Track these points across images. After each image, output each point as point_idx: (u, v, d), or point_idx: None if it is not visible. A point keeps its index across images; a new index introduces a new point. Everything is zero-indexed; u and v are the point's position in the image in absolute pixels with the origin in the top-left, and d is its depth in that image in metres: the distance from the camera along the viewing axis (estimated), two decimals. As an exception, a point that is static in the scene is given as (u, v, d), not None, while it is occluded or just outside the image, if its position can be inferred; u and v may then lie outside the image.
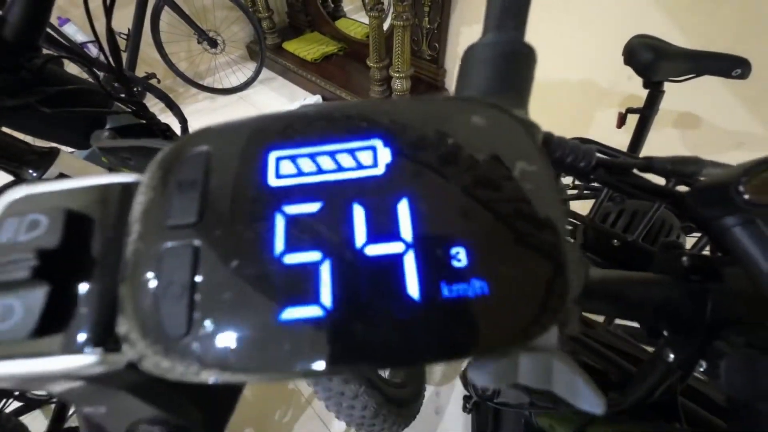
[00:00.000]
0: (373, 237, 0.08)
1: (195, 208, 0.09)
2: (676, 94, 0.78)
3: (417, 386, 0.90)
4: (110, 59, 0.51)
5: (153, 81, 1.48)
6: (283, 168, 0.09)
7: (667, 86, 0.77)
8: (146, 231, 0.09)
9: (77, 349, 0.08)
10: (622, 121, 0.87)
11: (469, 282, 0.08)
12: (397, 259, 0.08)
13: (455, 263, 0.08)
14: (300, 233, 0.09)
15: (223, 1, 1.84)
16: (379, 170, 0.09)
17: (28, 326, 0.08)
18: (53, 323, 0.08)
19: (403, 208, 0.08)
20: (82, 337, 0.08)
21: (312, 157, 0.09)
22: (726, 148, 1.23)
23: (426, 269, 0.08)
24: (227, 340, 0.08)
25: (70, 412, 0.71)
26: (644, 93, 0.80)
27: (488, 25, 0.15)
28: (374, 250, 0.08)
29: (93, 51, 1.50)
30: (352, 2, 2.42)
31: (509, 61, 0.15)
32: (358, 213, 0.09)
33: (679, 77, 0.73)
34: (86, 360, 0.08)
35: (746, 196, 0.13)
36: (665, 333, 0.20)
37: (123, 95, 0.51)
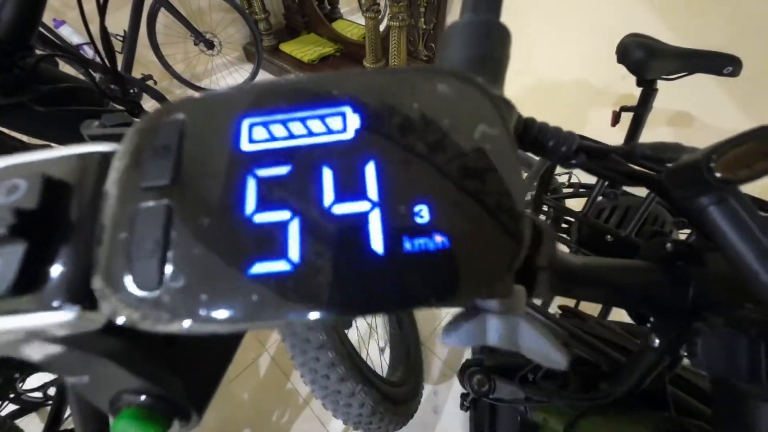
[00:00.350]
0: (341, 197, 0.09)
1: (169, 171, 0.09)
2: (670, 93, 0.78)
3: (414, 385, 0.90)
4: (105, 59, 0.51)
5: (149, 82, 1.47)
6: (255, 134, 0.10)
7: (661, 85, 0.77)
8: (122, 193, 0.09)
9: (55, 306, 0.08)
10: (616, 119, 0.88)
11: (430, 236, 0.08)
12: (362, 217, 0.09)
13: (418, 219, 0.08)
14: (270, 194, 0.09)
15: (220, 3, 1.85)
16: (348, 135, 0.09)
17: (7, 281, 0.08)
18: (32, 280, 0.08)
19: (370, 170, 0.09)
20: (59, 294, 0.08)
21: (284, 123, 0.10)
22: (720, 146, 1.24)
23: (390, 225, 0.08)
24: (197, 292, 0.08)
25: (66, 414, 0.71)
26: (638, 91, 0.81)
27: (465, 6, 0.16)
28: (341, 209, 0.09)
29: (89, 53, 1.50)
30: (348, 4, 2.43)
31: (483, 40, 0.15)
32: (327, 175, 0.09)
33: (672, 75, 0.74)
34: (64, 317, 0.08)
35: (717, 174, 0.13)
36: (652, 319, 0.21)
37: (118, 95, 0.51)
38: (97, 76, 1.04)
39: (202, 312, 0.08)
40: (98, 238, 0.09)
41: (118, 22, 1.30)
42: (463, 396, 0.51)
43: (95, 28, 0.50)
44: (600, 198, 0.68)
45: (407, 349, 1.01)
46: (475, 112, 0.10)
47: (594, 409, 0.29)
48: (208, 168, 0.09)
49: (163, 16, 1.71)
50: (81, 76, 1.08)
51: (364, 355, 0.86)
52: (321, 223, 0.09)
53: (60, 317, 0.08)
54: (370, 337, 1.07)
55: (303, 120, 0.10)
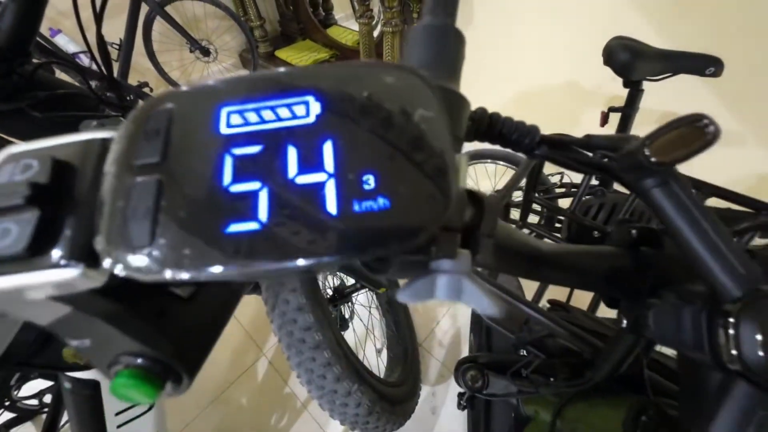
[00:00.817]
0: (303, 169, 0.11)
1: (159, 151, 0.11)
2: (658, 94, 0.80)
3: (412, 385, 0.90)
4: (101, 66, 0.52)
5: (145, 89, 1.49)
6: (232, 119, 0.12)
7: (650, 86, 0.79)
8: (119, 170, 0.11)
9: (63, 264, 0.10)
10: (605, 119, 0.90)
11: (375, 199, 0.10)
12: (320, 186, 0.11)
13: (365, 186, 0.10)
14: (244, 168, 0.11)
15: (215, 11, 1.87)
16: (310, 119, 0.11)
17: (23, 243, 0.10)
18: (43, 242, 0.10)
19: (328, 148, 0.11)
20: (67, 253, 0.10)
21: (256, 110, 0.12)
22: (708, 145, 1.27)
23: (342, 192, 0.10)
24: (182, 247, 0.10)
25: (63, 422, 0.71)
26: (626, 93, 0.83)
27: (424, 10, 0.17)
28: (303, 179, 0.11)
29: (85, 62, 1.51)
30: (342, 10, 2.46)
31: (439, 41, 0.17)
32: (292, 152, 0.11)
33: (656, 76, 0.76)
34: (71, 273, 0.10)
35: (652, 159, 0.14)
36: (622, 302, 0.22)
37: (114, 101, 0.52)
38: (93, 83, 1.05)
39: (186, 263, 0.10)
40: (99, 208, 0.11)
41: (113, 30, 1.31)
42: (460, 395, 0.52)
43: (91, 36, 0.51)
44: (590, 197, 0.69)
45: (404, 350, 1.02)
46: (415, 99, 0.12)
47: (579, 396, 0.30)
48: (192, 148, 0.11)
49: (159, 24, 1.73)
50: (77, 84, 1.09)
51: (361, 357, 0.86)
52: (286, 190, 0.10)
53: (67, 274, 0.10)
54: (366, 338, 1.07)
55: (272, 108, 0.12)
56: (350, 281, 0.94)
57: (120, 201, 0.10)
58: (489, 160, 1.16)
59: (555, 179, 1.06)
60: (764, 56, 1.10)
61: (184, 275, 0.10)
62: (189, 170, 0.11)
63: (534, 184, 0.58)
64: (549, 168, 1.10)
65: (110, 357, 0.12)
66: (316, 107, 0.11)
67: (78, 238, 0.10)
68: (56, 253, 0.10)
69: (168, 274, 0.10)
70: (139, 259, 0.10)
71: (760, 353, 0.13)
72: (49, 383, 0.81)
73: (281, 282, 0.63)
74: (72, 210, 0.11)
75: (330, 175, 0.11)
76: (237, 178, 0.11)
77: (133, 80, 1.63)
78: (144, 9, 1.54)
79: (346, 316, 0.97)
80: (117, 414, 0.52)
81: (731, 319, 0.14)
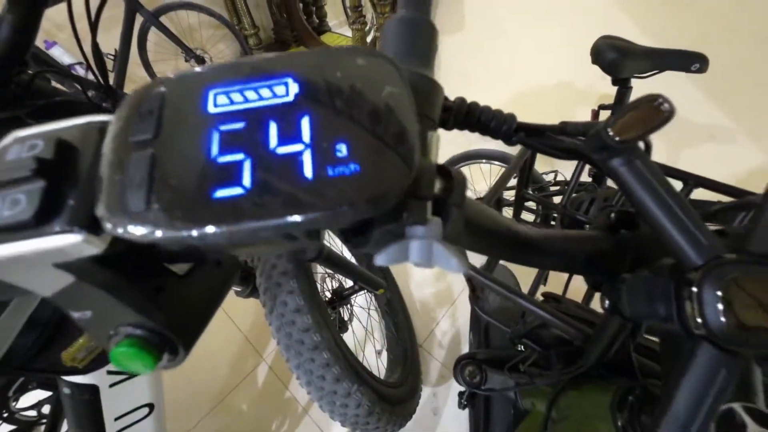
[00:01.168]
0: (282, 141, 0.12)
1: (152, 128, 0.12)
2: (647, 91, 0.82)
3: (412, 385, 0.90)
4: (97, 75, 0.53)
5: (141, 99, 1.49)
6: (219, 100, 0.13)
7: (642, 84, 0.81)
8: (116, 146, 0.12)
9: (67, 230, 0.11)
10: (595, 117, 0.91)
11: (347, 165, 0.11)
12: (298, 154, 0.12)
13: (338, 154, 0.12)
14: (230, 142, 0.12)
15: (210, 20, 1.89)
16: (290, 98, 0.13)
17: (31, 211, 0.11)
18: (49, 211, 0.11)
19: (305, 122, 0.12)
20: (70, 220, 0.11)
21: (240, 91, 0.13)
22: (699, 140, 1.29)
23: (317, 159, 0.12)
24: (173, 211, 0.11)
25: (62, 431, 0.70)
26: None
27: (399, 4, 0.19)
28: (282, 150, 0.12)
29: (80, 72, 1.52)
30: (336, 17, 2.49)
31: (412, 33, 0.19)
32: (273, 127, 0.12)
33: (644, 74, 0.78)
34: (74, 239, 0.11)
35: (616, 138, 0.15)
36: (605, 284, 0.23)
37: (111, 110, 0.53)
38: (89, 93, 1.05)
39: (177, 224, 0.11)
40: (99, 180, 0.12)
41: (109, 41, 1.32)
42: (460, 394, 0.52)
43: (86, 47, 0.52)
44: (582, 192, 0.71)
45: (404, 351, 1.02)
46: (383, 78, 0.13)
47: (571, 385, 0.31)
48: (183, 125, 0.12)
49: (154, 34, 1.74)
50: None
51: (360, 358, 0.86)
52: (267, 159, 0.12)
53: (70, 239, 0.11)
54: (366, 340, 1.07)
55: (255, 89, 0.13)
56: (349, 283, 0.94)
57: (118, 173, 0.11)
58: (484, 160, 1.18)
59: (549, 177, 1.07)
60: (753, 54, 1.13)
61: (176, 235, 0.10)
62: (180, 145, 0.12)
63: (526, 180, 0.59)
64: (543, 167, 1.12)
65: (110, 328, 0.13)
66: (294, 87, 0.13)
67: (80, 208, 0.11)
68: (60, 221, 0.11)
69: (160, 234, 0.10)
70: (136, 223, 0.11)
71: (722, 319, 0.14)
72: (47, 393, 0.81)
73: (278, 283, 0.63)
74: (74, 183, 0.12)
75: (307, 146, 0.12)
76: (223, 151, 0.12)
77: (129, 90, 1.64)
78: (139, 19, 1.56)
79: (345, 318, 0.98)
80: (116, 419, 0.52)
81: (694, 288, 0.15)
